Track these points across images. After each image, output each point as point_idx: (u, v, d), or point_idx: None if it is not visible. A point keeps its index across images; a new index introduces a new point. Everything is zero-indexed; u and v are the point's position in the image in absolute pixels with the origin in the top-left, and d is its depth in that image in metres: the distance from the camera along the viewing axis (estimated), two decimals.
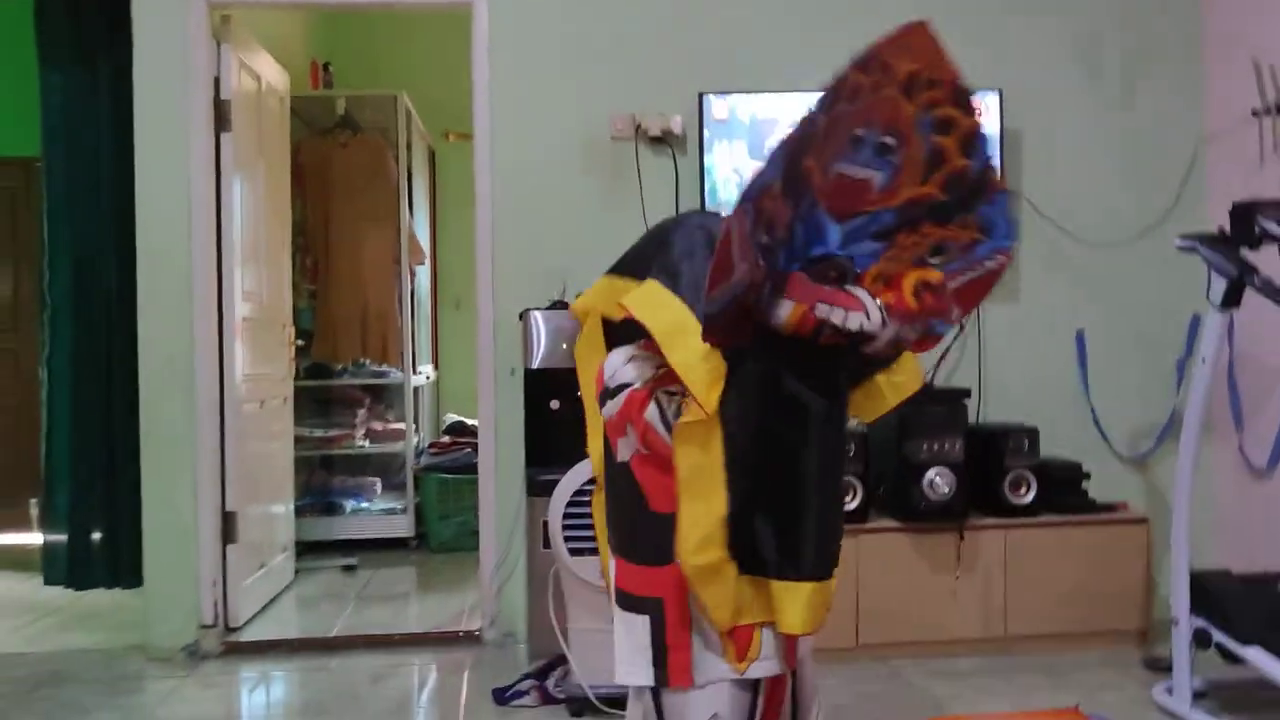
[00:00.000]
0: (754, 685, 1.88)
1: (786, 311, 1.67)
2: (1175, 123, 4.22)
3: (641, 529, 1.90)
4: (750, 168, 3.95)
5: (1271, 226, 3.06)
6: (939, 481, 3.70)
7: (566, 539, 3.28)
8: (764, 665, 1.87)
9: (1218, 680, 3.31)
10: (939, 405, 3.78)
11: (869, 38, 1.67)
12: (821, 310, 1.67)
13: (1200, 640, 3.11)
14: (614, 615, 1.93)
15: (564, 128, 4.05)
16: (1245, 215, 3.11)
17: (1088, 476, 3.94)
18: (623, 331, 2.02)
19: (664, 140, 4.06)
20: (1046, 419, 4.02)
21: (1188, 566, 3.16)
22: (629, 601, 1.90)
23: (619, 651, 1.91)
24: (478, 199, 4.05)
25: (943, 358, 4.15)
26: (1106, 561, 3.81)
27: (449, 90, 5.42)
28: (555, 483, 3.36)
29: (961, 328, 4.16)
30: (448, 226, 6.75)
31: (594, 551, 3.22)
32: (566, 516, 3.29)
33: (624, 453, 1.93)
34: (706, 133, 3.98)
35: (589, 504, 3.27)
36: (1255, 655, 2.93)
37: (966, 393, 3.88)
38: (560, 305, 3.78)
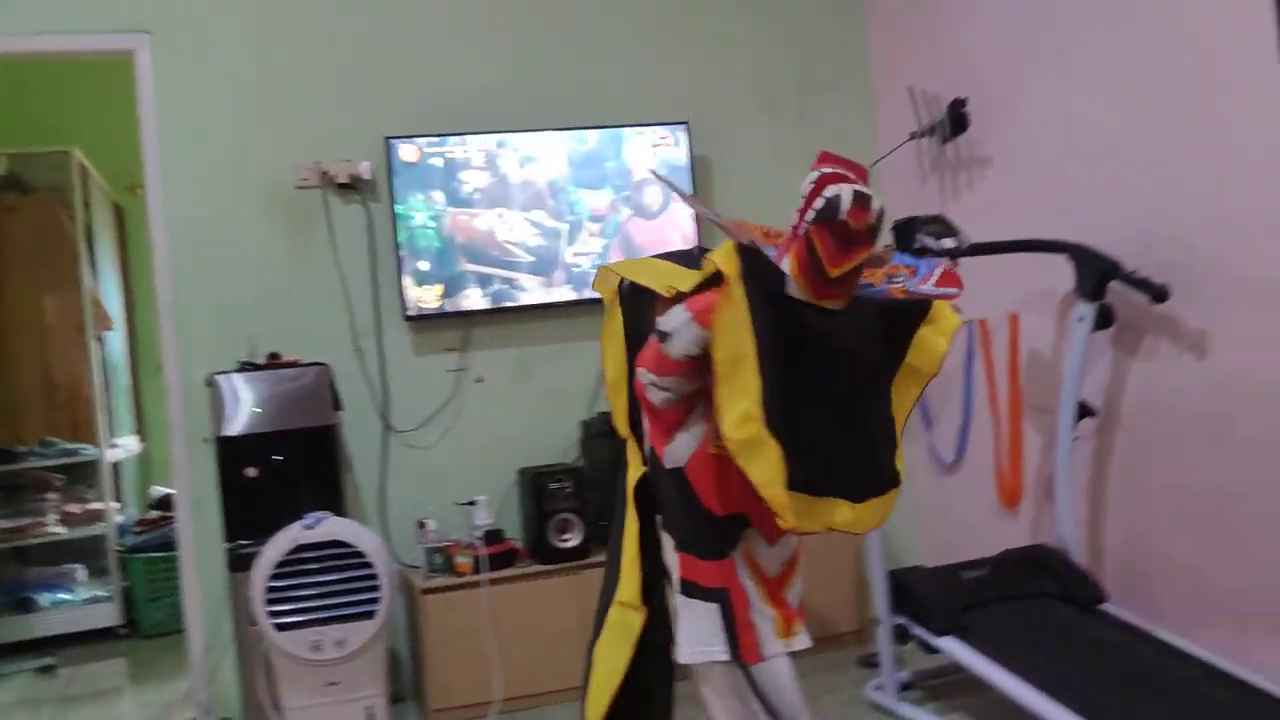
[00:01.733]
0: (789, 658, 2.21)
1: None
2: (850, 147, 4.43)
3: (702, 527, 2.20)
4: (452, 213, 3.90)
5: (928, 240, 3.27)
6: None
7: (272, 614, 3.10)
8: (800, 640, 2.22)
9: (924, 670, 3.50)
10: None
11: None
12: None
13: (900, 636, 3.27)
14: (679, 603, 2.22)
15: (244, 177, 3.85)
16: (905, 231, 3.32)
17: None
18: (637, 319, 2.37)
19: (353, 187, 3.93)
20: None
21: (884, 566, 3.32)
22: (697, 591, 2.19)
23: (687, 635, 2.20)
24: (155, 256, 3.81)
25: None
26: (822, 568, 3.95)
27: (130, 142, 5.07)
28: (255, 555, 3.18)
29: None
30: (142, 286, 6.32)
31: (303, 625, 3.07)
32: (271, 590, 3.12)
33: (676, 458, 2.21)
34: (396, 178, 3.89)
35: (291, 574, 3.12)
36: (948, 644, 3.10)
37: None
38: (249, 365, 3.59)
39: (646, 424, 2.30)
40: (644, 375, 2.17)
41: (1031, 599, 3.36)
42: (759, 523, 2.18)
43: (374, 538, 3.30)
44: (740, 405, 2.01)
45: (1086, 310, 3.23)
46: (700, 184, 4.22)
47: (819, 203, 2.11)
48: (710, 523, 2.18)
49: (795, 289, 2.12)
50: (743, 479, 2.05)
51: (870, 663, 3.68)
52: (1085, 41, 3.39)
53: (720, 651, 2.16)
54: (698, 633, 2.18)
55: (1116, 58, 3.26)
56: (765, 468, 2.01)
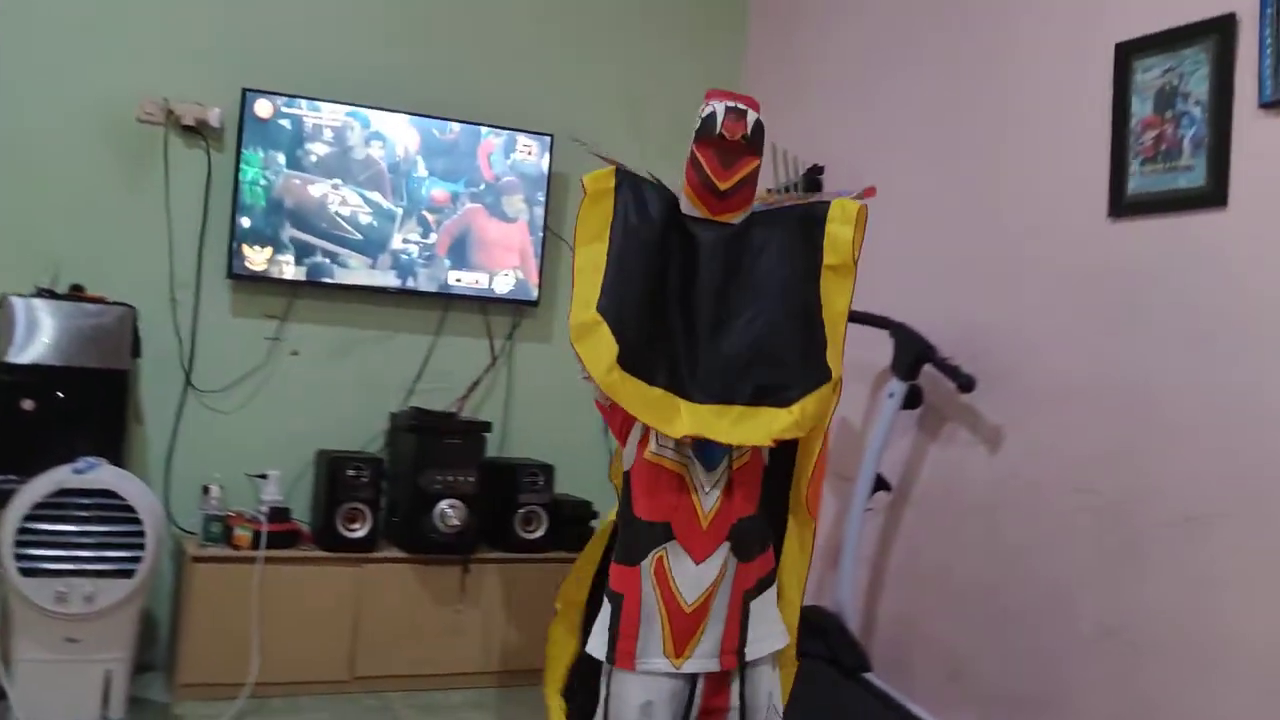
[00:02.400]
0: (691, 680, 2.24)
1: None
2: None
3: (625, 530, 2.29)
4: (287, 175, 3.78)
5: None
6: (450, 513, 3.67)
7: (19, 556, 2.91)
8: (699, 663, 2.21)
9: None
10: (458, 437, 3.77)
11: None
12: None
13: None
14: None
15: (84, 98, 3.65)
16: None
17: (596, 515, 4.09)
18: None
19: (199, 132, 3.77)
20: (565, 459, 4.14)
21: None
22: (608, 591, 2.27)
23: (595, 629, 2.29)
24: None
25: (471, 390, 4.16)
26: None
27: None
28: (14, 492, 2.98)
29: (494, 359, 4.21)
30: None
31: (52, 574, 2.89)
32: (24, 532, 2.92)
33: (627, 461, 2.31)
34: (247, 132, 3.76)
35: (52, 518, 2.94)
36: None
37: (488, 426, 3.90)
38: (49, 293, 3.38)
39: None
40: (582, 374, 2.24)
41: (800, 658, 3.43)
42: (680, 534, 2.20)
43: (149, 495, 3.14)
44: (583, 297, 2.21)
45: (898, 388, 3.34)
46: (553, 197, 4.21)
47: (696, 122, 2.28)
48: (632, 526, 2.27)
49: (690, 208, 2.30)
50: (670, 485, 2.18)
51: None
52: (927, 137, 3.53)
53: (600, 650, 2.24)
54: (598, 628, 2.29)
55: (956, 157, 3.41)
56: (594, 350, 2.17)
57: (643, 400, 2.20)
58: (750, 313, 2.27)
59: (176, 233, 3.77)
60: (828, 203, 2.33)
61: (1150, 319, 2.76)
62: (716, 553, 2.23)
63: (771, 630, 2.33)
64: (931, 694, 3.23)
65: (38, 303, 3.33)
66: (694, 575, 2.22)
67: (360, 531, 3.64)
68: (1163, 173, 2.75)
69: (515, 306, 4.21)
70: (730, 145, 2.25)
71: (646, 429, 2.26)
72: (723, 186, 2.26)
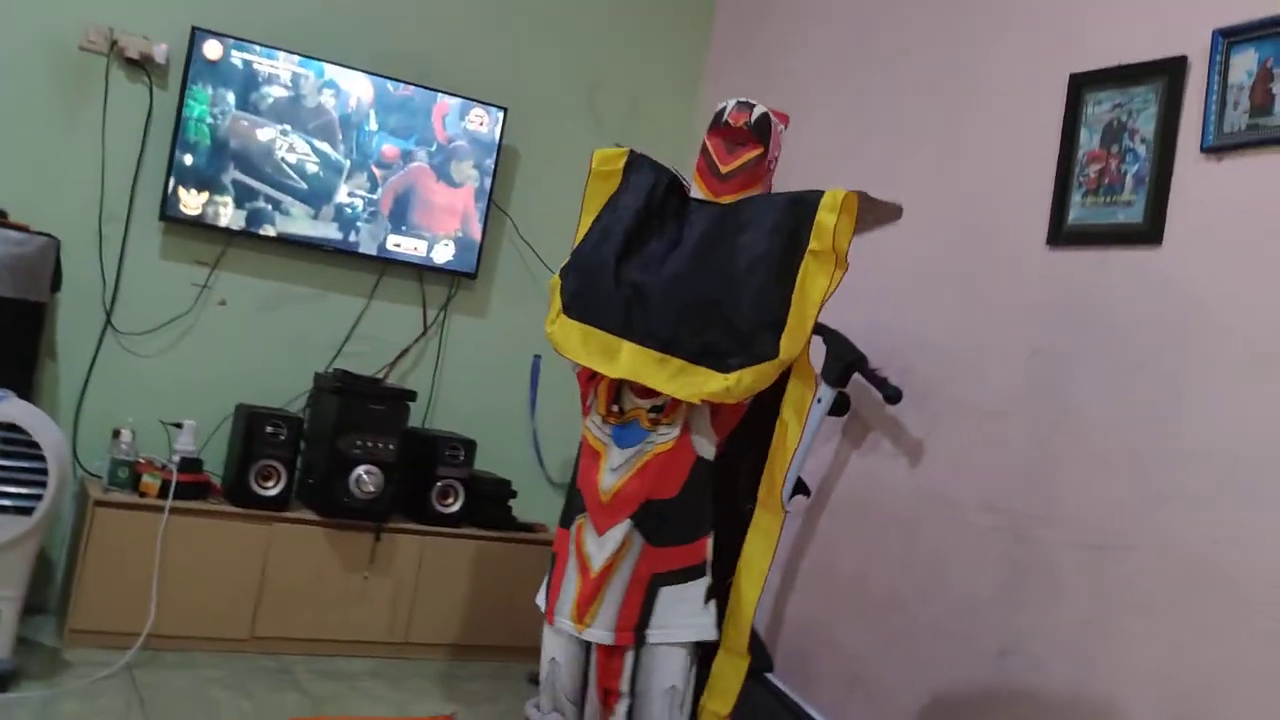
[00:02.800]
0: (586, 647, 2.34)
1: None
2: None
3: (570, 495, 2.42)
4: (235, 116, 3.69)
5: None
6: (366, 479, 3.62)
7: None
8: (596, 633, 2.29)
9: None
10: (382, 404, 3.72)
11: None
12: None
13: None
14: None
15: (24, 19, 3.53)
16: None
17: (515, 495, 4.06)
18: None
19: (142, 66, 3.67)
20: (489, 435, 4.11)
21: None
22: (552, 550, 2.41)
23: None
24: None
25: (400, 357, 4.11)
26: (516, 578, 3.91)
27: None
28: None
29: (425, 329, 4.16)
30: None
31: None
32: None
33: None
34: (194, 71, 3.66)
35: None
36: None
37: (412, 395, 3.85)
38: None
39: None
40: None
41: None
42: (589, 505, 2.33)
43: (57, 432, 3.04)
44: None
45: (826, 394, 3.36)
46: (501, 169, 4.16)
47: (712, 117, 2.46)
48: (570, 491, 2.42)
49: (698, 192, 2.45)
50: (590, 457, 2.36)
51: (535, 680, 3.66)
52: (881, 147, 3.55)
53: (540, 600, 2.42)
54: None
55: (907, 170, 3.43)
56: (551, 309, 2.38)
57: (585, 343, 2.32)
58: (720, 279, 2.30)
59: (111, 167, 3.66)
60: (822, 191, 2.34)
61: (1079, 346, 2.80)
62: (616, 528, 2.28)
63: (687, 622, 2.29)
64: (831, 699, 3.26)
65: None
66: (597, 545, 2.30)
67: (273, 490, 3.58)
68: (1103, 206, 2.79)
69: (453, 277, 4.16)
70: (735, 132, 2.42)
71: (589, 404, 2.40)
72: (724, 169, 2.41)
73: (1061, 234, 2.89)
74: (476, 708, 3.45)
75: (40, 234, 3.34)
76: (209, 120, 3.67)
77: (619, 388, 2.35)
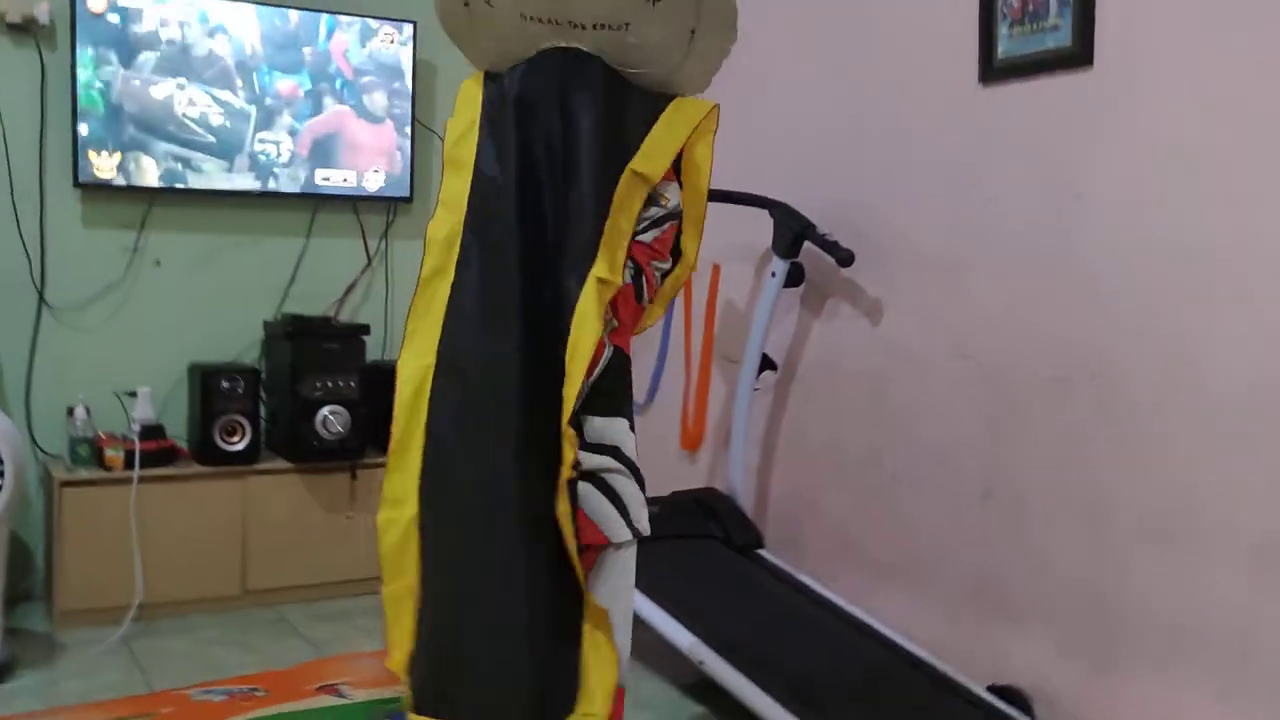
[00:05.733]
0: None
1: None
2: None
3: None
4: (125, 76, 3.54)
5: None
6: (332, 419, 3.59)
7: None
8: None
9: None
10: (336, 342, 3.66)
11: None
12: None
13: None
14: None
15: None
16: None
17: None
18: None
19: (27, 30, 3.50)
20: None
21: None
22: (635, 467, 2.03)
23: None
24: None
25: (348, 293, 4.04)
26: None
27: None
28: None
29: (369, 262, 4.08)
30: None
31: None
32: None
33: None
34: (79, 28, 3.50)
35: None
36: None
37: (366, 329, 3.79)
38: None
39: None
40: None
41: (695, 539, 3.46)
42: None
43: (5, 419, 2.98)
44: None
45: (780, 266, 3.32)
46: (421, 90, 4.04)
47: None
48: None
49: None
50: None
51: None
52: (801, 9, 3.46)
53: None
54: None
55: (829, 32, 3.35)
56: None
57: None
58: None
59: (13, 140, 3.52)
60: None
61: (1019, 183, 2.76)
62: None
63: None
64: (823, 565, 3.29)
65: None
66: None
67: (240, 444, 3.54)
68: (1031, 34, 2.72)
69: (389, 203, 4.07)
70: None
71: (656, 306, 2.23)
72: None
73: (992, 70, 2.83)
74: None
75: None
76: (98, 85, 3.52)
77: None
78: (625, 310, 2.04)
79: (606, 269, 1.91)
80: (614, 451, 2.03)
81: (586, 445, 1.97)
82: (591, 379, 1.94)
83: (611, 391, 2.04)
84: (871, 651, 2.89)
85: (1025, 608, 2.77)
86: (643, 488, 2.07)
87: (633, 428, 2.07)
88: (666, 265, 2.14)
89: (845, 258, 3.17)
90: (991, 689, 2.74)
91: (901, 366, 3.12)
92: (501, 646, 1.91)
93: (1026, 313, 2.75)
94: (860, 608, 3.03)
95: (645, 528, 2.05)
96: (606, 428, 2.01)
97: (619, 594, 2.02)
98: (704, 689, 2.89)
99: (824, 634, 2.92)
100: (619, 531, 1.99)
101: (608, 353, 2.00)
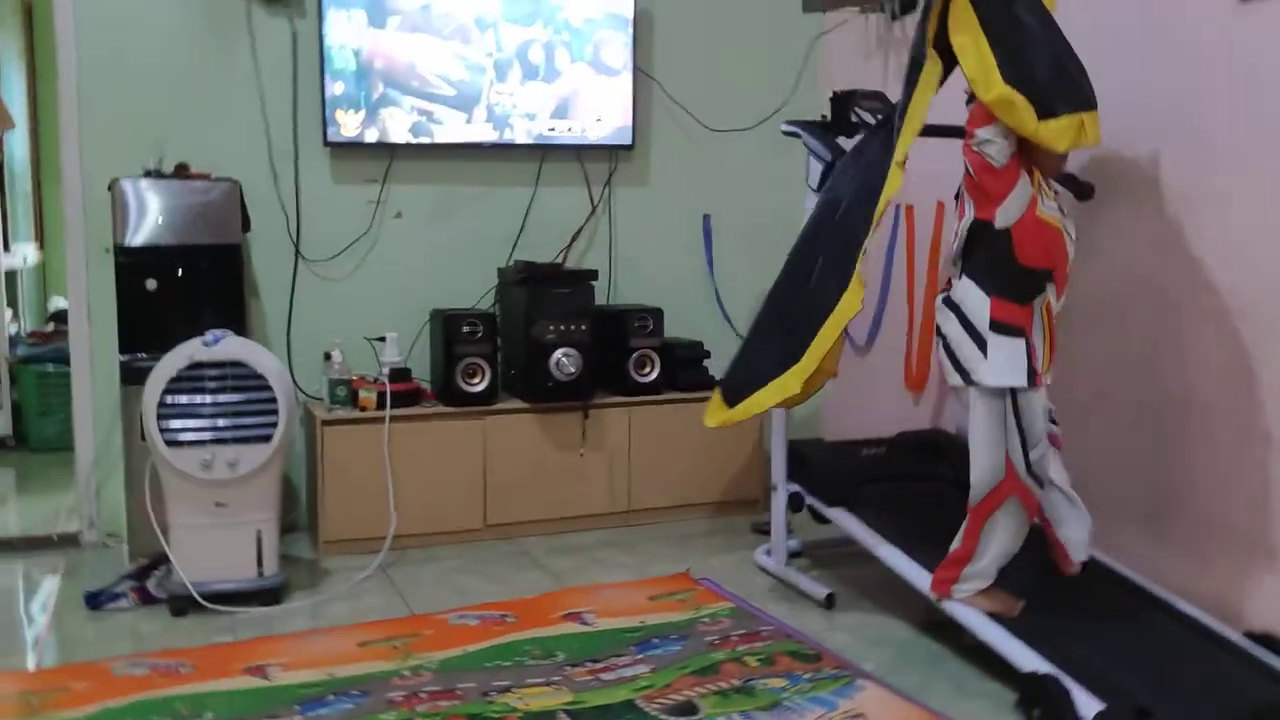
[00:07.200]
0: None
1: None
2: (797, 14, 4.34)
3: (1011, 277, 2.63)
4: (374, 35, 3.73)
5: (865, 115, 3.22)
6: (565, 361, 3.71)
7: (163, 430, 3.03)
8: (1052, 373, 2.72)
9: (814, 540, 3.58)
10: (566, 287, 3.78)
11: None
12: None
13: (794, 504, 3.32)
14: (988, 340, 2.65)
15: None
16: (843, 104, 3.26)
17: (709, 355, 4.09)
18: None
19: None
20: (673, 300, 4.13)
21: (785, 436, 3.35)
22: (1004, 329, 2.64)
23: (993, 365, 2.65)
24: (60, 55, 3.59)
25: (574, 239, 4.15)
26: (724, 435, 3.96)
27: None
28: (150, 369, 3.09)
29: (594, 209, 4.18)
30: (49, 90, 5.98)
31: (195, 443, 3.01)
32: (163, 405, 3.04)
33: (1010, 218, 2.60)
34: None
35: (188, 390, 3.04)
36: (838, 515, 3.17)
37: (594, 274, 3.90)
38: (156, 174, 3.43)
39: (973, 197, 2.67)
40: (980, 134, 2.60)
41: (924, 480, 3.44)
42: (1058, 277, 2.65)
43: (276, 361, 3.22)
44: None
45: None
46: (640, 38, 4.09)
47: None
48: (1019, 273, 2.62)
49: None
50: (1057, 239, 2.63)
51: (762, 530, 3.74)
52: None
53: (1019, 378, 2.63)
54: (996, 363, 2.64)
55: None
56: (1027, 126, 2.55)
57: (1063, 132, 2.55)
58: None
59: (270, 104, 3.77)
60: None
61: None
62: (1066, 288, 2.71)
63: None
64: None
65: (146, 184, 3.38)
66: (1057, 305, 2.69)
67: (480, 385, 3.71)
68: None
69: (611, 151, 4.15)
70: None
71: (1035, 192, 2.61)
72: None
73: None
74: (709, 560, 3.56)
75: (222, 179, 3.48)
76: (352, 45, 3.72)
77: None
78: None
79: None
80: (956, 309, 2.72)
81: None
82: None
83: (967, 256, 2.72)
84: (1111, 593, 2.82)
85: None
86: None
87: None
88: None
89: (1083, 191, 3.05)
90: (1249, 635, 2.64)
91: (1145, 301, 2.99)
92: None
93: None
94: (1099, 548, 2.95)
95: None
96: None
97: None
98: (940, 628, 2.88)
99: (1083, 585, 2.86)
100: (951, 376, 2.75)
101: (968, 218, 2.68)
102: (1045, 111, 2.52)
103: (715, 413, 3.05)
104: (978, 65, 2.56)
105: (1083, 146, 2.61)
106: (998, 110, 2.54)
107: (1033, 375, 2.63)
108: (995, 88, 2.52)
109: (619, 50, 4.03)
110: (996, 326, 2.64)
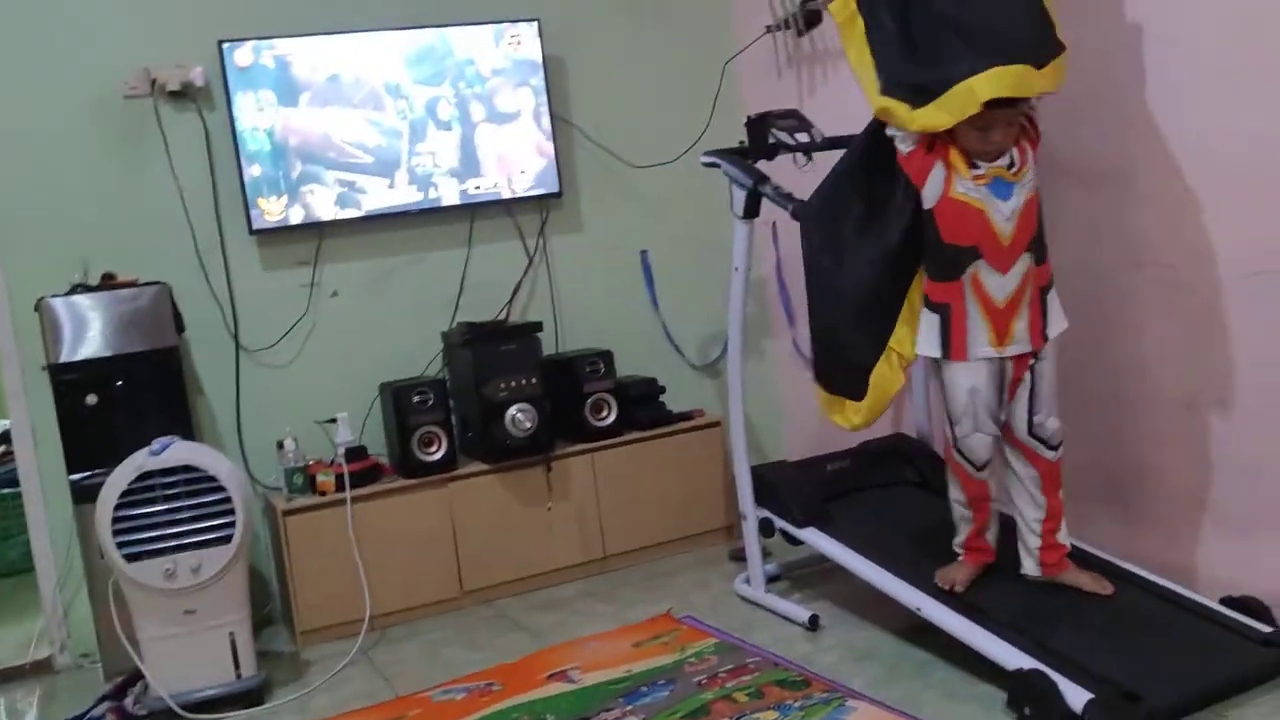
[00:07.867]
0: (1002, 364, 2.71)
1: None
2: (706, 42, 4.37)
3: (934, 255, 2.73)
4: (284, 113, 3.72)
5: (782, 135, 3.24)
6: (520, 417, 3.69)
7: (120, 545, 2.98)
8: (1017, 347, 2.69)
9: (791, 561, 3.57)
10: (512, 342, 3.77)
11: None
12: None
13: (764, 529, 3.32)
14: (922, 314, 2.79)
15: (67, 86, 3.59)
16: (758, 127, 3.28)
17: (664, 390, 4.09)
18: None
19: (186, 94, 3.71)
20: (621, 340, 4.13)
21: (747, 461, 3.34)
22: (929, 304, 2.75)
23: (920, 337, 2.79)
24: None
25: (515, 293, 4.14)
26: (689, 467, 3.99)
27: None
28: (100, 485, 3.05)
29: (530, 260, 4.17)
30: None
31: (154, 554, 2.96)
32: (117, 521, 2.99)
33: (931, 200, 2.70)
34: (232, 82, 3.69)
35: (141, 502, 3.00)
36: (809, 535, 3.16)
37: (539, 326, 3.89)
38: (82, 287, 3.39)
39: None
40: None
41: (889, 486, 3.45)
42: (988, 254, 2.64)
43: (226, 461, 3.18)
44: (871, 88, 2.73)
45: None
46: (554, 85, 4.10)
47: None
48: (947, 251, 2.69)
49: None
50: (976, 217, 2.62)
51: (739, 557, 3.72)
52: None
53: (934, 349, 2.74)
54: (923, 336, 2.78)
55: None
56: (898, 118, 2.68)
57: (938, 111, 2.57)
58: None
59: (190, 201, 3.74)
60: None
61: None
62: (1019, 261, 2.65)
63: (1059, 318, 2.75)
64: None
65: (75, 299, 3.35)
66: (1000, 281, 2.66)
67: (438, 454, 3.69)
68: None
69: (540, 201, 4.15)
70: None
71: (949, 172, 2.64)
72: None
73: None
74: (690, 597, 3.54)
75: (150, 283, 3.45)
76: (260, 126, 3.70)
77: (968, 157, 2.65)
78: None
79: None
80: None
81: None
82: None
83: None
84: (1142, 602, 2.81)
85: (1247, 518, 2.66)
86: None
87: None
88: None
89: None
90: (1225, 601, 2.65)
91: (1084, 282, 3.02)
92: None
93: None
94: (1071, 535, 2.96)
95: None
96: None
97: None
98: (923, 634, 2.88)
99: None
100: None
101: None
102: (917, 102, 2.62)
103: (848, 412, 2.99)
104: (863, 80, 2.74)
105: (998, 97, 2.50)
106: (883, 119, 2.73)
107: (947, 348, 2.72)
108: (874, 101, 2.71)
109: (533, 99, 4.04)
110: (926, 302, 2.78)
